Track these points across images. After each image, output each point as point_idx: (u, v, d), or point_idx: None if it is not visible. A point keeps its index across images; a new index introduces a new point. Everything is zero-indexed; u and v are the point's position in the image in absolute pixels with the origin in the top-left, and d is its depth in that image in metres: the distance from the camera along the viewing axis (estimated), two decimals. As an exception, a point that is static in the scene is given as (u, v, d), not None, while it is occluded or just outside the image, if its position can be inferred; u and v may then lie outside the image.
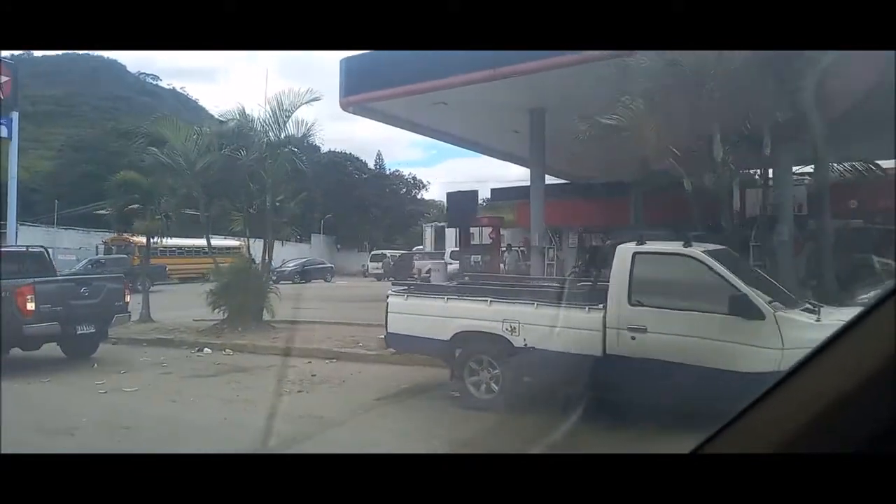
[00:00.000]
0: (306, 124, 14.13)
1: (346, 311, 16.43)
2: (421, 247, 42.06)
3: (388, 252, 41.62)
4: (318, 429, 6.65)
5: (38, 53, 71.51)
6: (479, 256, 22.51)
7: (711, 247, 6.57)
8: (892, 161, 14.25)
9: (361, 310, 15.70)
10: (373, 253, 43.12)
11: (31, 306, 9.38)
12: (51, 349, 10.50)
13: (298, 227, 18.39)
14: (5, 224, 21.13)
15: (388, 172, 63.18)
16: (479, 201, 25.97)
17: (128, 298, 11.35)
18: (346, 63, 16.65)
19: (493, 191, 28.45)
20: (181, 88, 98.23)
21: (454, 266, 23.46)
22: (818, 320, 5.46)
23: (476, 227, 23.19)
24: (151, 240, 17.19)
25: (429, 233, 41.61)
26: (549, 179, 20.87)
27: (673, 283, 6.19)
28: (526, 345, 6.72)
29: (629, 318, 6.11)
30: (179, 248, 30.36)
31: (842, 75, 9.22)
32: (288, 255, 31.91)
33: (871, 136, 11.60)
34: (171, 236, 17.74)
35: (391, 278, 31.92)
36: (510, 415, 6.68)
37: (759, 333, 5.39)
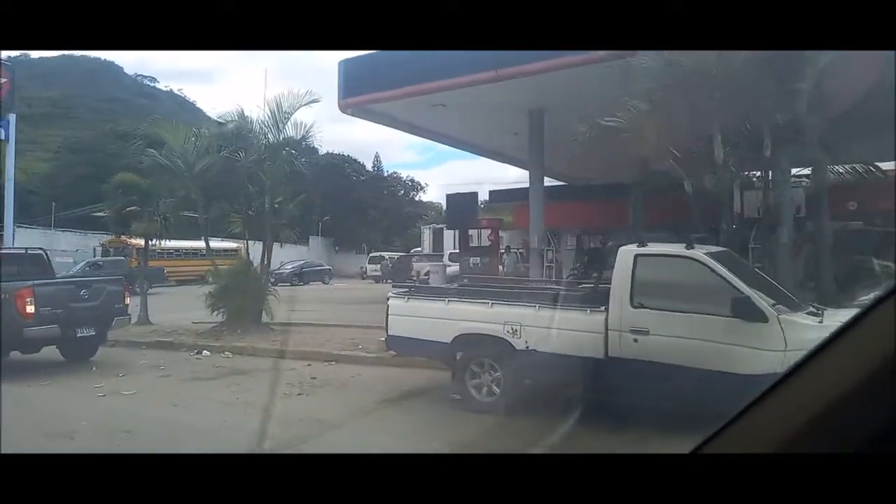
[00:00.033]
0: (305, 126, 14.13)
1: (344, 314, 16.42)
2: (419, 249, 41.97)
3: (386, 254, 41.64)
4: (318, 432, 6.63)
5: (35, 55, 71.60)
6: (479, 258, 22.48)
7: (714, 249, 6.57)
8: (890, 163, 14.26)
9: (360, 312, 15.69)
10: (371, 255, 43.08)
11: (30, 309, 9.32)
12: (49, 352, 10.45)
13: (297, 229, 18.34)
14: (2, 226, 21.08)
15: (385, 174, 63.24)
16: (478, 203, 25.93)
17: (128, 301, 11.32)
18: (344, 65, 16.64)
19: (491, 193, 28.47)
20: (179, 90, 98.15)
21: (453, 268, 23.43)
22: (821, 322, 5.45)
23: (475, 229, 23.15)
24: (149, 242, 17.12)
25: (427, 235, 41.51)
26: (548, 181, 20.87)
27: (675, 286, 6.18)
28: (528, 347, 6.70)
29: (631, 321, 6.09)
30: (177, 250, 30.32)
31: (841, 76, 9.23)
32: (286, 257, 31.86)
33: (870, 138, 11.60)
34: (170, 238, 17.64)
35: (389, 280, 32.06)
36: (512, 418, 6.66)
37: (763, 336, 5.36)
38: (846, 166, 13.75)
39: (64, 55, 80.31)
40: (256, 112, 14.34)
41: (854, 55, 7.51)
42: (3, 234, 21.02)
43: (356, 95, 16.87)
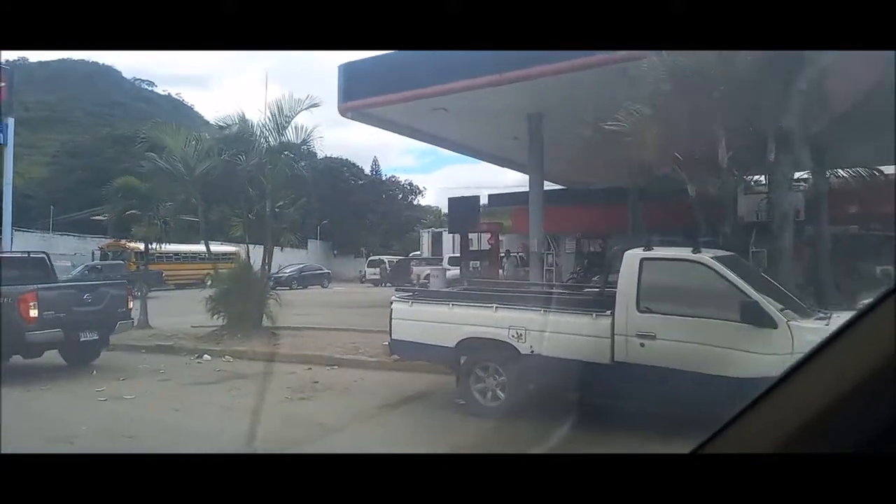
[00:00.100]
0: (306, 130, 14.10)
1: (344, 317, 16.38)
2: (418, 252, 42.04)
3: (385, 258, 41.60)
4: (320, 436, 6.61)
5: (33, 59, 71.63)
6: (478, 262, 22.50)
7: (720, 253, 6.53)
8: (890, 166, 14.27)
9: (360, 316, 15.65)
10: (370, 259, 43.03)
11: (33, 313, 9.23)
12: (50, 356, 10.39)
13: (298, 233, 18.31)
14: (0, 230, 21.00)
15: (384, 178, 63.40)
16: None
17: (131, 305, 11.26)
18: (344, 68, 16.64)
19: (490, 197, 28.48)
20: (177, 94, 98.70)
21: (453, 272, 23.42)
22: (828, 327, 5.41)
23: (477, 232, 23.18)
24: (149, 245, 17.06)
25: (426, 238, 41.58)
26: (547, 185, 20.90)
27: (682, 290, 6.14)
28: (532, 351, 6.65)
29: (638, 325, 6.05)
30: (176, 253, 30.25)
31: (842, 78, 9.23)
32: (285, 261, 31.85)
33: (871, 140, 11.60)
34: (170, 242, 17.60)
35: (389, 284, 32.04)
36: (516, 422, 6.62)
37: (772, 342, 5.30)
38: (848, 170, 13.77)
39: (62, 59, 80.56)
40: (257, 115, 14.37)
41: (855, 60, 7.55)
42: (1, 238, 20.95)
43: (356, 99, 16.88)
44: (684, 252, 6.31)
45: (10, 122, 21.04)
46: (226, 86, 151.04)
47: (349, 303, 23.35)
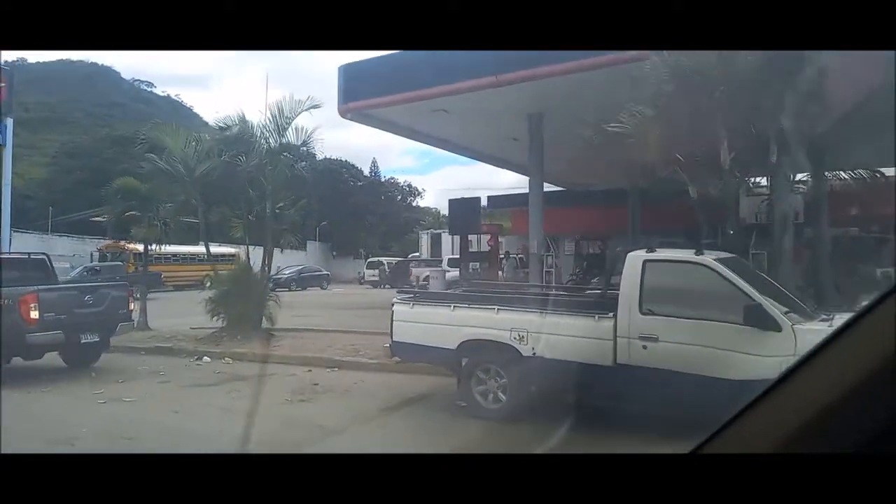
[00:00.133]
0: (306, 131, 14.08)
1: (344, 319, 16.35)
2: (417, 254, 42.07)
3: (384, 259, 41.57)
4: (320, 438, 6.60)
5: (32, 60, 71.58)
6: (478, 264, 22.50)
7: (723, 255, 6.51)
8: (890, 168, 14.28)
9: (359, 317, 15.63)
10: (369, 260, 43.01)
11: (34, 315, 9.18)
12: (50, 358, 10.35)
13: (297, 234, 18.28)
14: (-1, 231, 21.00)
15: (383, 180, 63.40)
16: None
17: (132, 306, 11.22)
18: (345, 69, 16.61)
19: (490, 198, 28.46)
20: (176, 95, 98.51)
21: (452, 273, 23.40)
22: (831, 329, 5.38)
23: (478, 234, 23.17)
24: (149, 247, 17.03)
25: (425, 240, 41.64)
26: (547, 187, 20.87)
27: (685, 292, 6.13)
28: (534, 353, 6.64)
29: (640, 327, 6.04)
30: (174, 255, 30.19)
31: (842, 81, 9.23)
32: (284, 262, 31.81)
33: (871, 142, 11.61)
34: (169, 243, 17.56)
35: (388, 285, 32.02)
36: (517, 425, 6.60)
37: (776, 345, 5.27)
38: (849, 172, 13.78)
39: (61, 60, 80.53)
40: (258, 116, 14.32)
41: (855, 56, 7.53)
42: (-1, 239, 20.93)
43: (356, 100, 16.84)
44: (687, 254, 6.30)
45: (9, 122, 21.02)
46: (226, 87, 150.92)
47: (348, 304, 23.33)
